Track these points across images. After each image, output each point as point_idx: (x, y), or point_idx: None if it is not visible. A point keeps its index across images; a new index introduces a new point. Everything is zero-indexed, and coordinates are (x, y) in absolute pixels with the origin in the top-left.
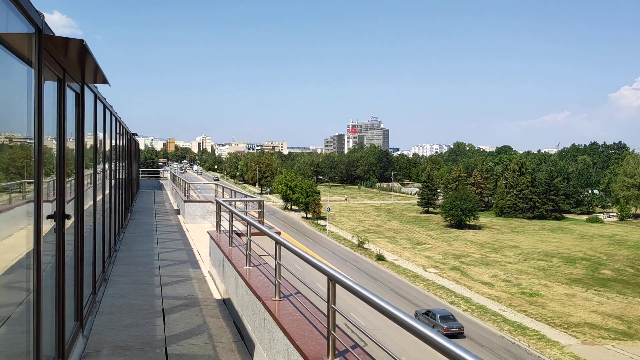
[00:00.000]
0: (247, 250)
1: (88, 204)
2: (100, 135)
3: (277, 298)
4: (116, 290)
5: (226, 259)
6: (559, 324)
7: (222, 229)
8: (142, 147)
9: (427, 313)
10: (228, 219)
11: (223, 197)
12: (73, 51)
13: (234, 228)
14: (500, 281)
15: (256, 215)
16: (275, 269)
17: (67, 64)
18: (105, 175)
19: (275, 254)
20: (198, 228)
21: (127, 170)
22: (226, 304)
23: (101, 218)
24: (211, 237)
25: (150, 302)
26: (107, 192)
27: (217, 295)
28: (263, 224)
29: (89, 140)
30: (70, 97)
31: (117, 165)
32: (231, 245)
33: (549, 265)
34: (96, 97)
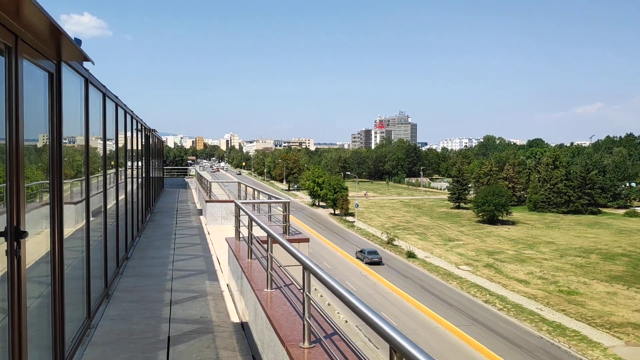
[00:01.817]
0: (268, 268)
1: (94, 211)
2: (111, 131)
3: (306, 344)
4: (118, 311)
5: (244, 275)
6: (600, 324)
7: (241, 235)
8: (171, 145)
9: (361, 251)
10: (248, 225)
11: (246, 197)
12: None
13: (255, 235)
14: (536, 279)
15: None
16: (304, 305)
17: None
18: (108, 178)
19: (304, 285)
20: (220, 230)
21: (146, 169)
22: (245, 330)
23: (112, 224)
24: (229, 245)
25: (154, 328)
26: (115, 195)
27: (234, 318)
28: (289, 232)
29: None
30: (35, 76)
31: (133, 164)
32: (250, 258)
33: (587, 262)
34: (88, 82)
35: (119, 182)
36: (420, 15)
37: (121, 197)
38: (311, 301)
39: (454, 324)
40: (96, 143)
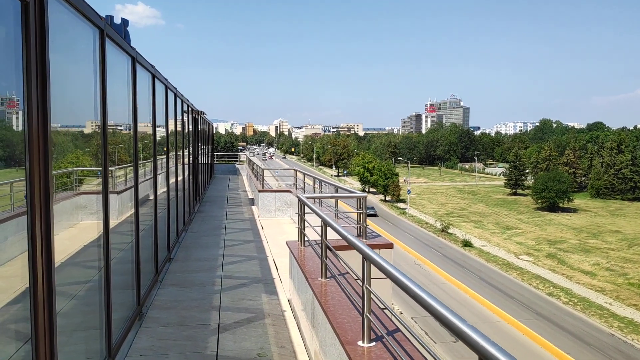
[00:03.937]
0: (364, 310)
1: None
2: (160, 115)
3: None
4: (149, 341)
5: (319, 304)
6: None
7: (306, 238)
8: (222, 131)
9: None
10: (314, 224)
11: (304, 185)
12: None
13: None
14: (603, 270)
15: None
16: None
17: None
18: (150, 167)
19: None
20: (274, 224)
21: (194, 156)
22: None
23: (148, 224)
24: (291, 252)
25: None
26: (154, 187)
27: (303, 357)
28: (365, 234)
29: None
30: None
31: (180, 150)
32: (325, 277)
33: None
34: (135, 61)
35: (162, 171)
36: None
37: (163, 189)
38: None
39: (517, 318)
40: (143, 127)
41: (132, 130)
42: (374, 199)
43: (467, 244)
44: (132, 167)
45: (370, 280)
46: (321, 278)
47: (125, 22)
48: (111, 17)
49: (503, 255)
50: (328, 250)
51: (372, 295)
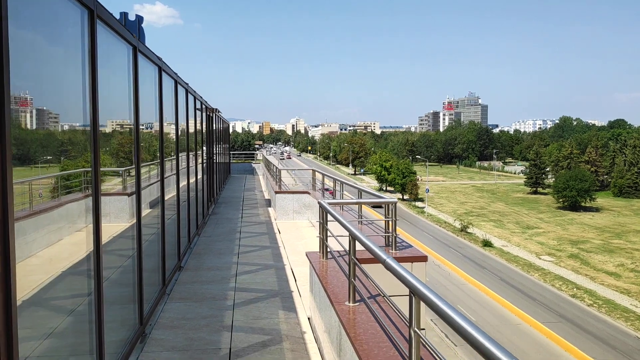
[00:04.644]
0: (413, 356)
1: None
2: (168, 112)
3: None
4: None
5: (345, 334)
6: None
7: (329, 249)
8: (239, 130)
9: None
10: (337, 232)
11: (323, 186)
12: None
13: (340, 242)
14: (628, 271)
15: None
16: None
17: None
18: (159, 169)
19: None
20: (292, 227)
21: (209, 156)
22: None
23: (155, 232)
24: (312, 265)
25: None
26: (161, 192)
27: None
28: (395, 244)
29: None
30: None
31: (190, 151)
32: (353, 301)
33: None
34: (137, 50)
35: (171, 173)
36: None
37: (172, 193)
38: None
39: (539, 320)
40: (149, 125)
41: (134, 128)
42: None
43: (487, 243)
44: (140, 169)
45: (420, 320)
46: (349, 302)
47: (139, 19)
48: (125, 14)
49: (524, 256)
50: (357, 268)
51: (421, 340)
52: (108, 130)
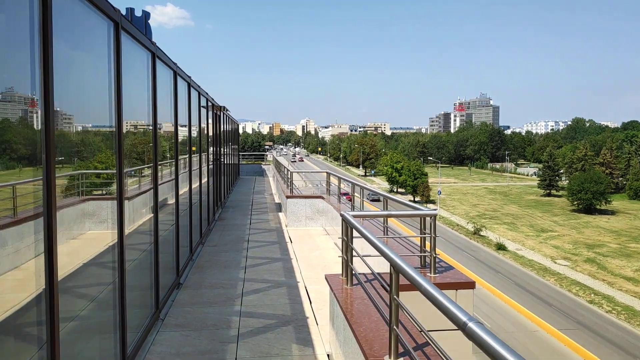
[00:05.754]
0: None
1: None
2: (165, 107)
3: None
4: None
5: None
6: None
7: (354, 272)
8: (249, 131)
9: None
10: (362, 249)
11: (339, 191)
12: None
13: (365, 259)
14: None
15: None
16: None
17: None
18: (159, 173)
19: None
20: (305, 235)
21: (216, 157)
22: None
23: (146, 253)
24: (333, 292)
25: None
26: (154, 200)
27: None
28: (434, 268)
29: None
30: None
31: (193, 152)
32: (395, 356)
33: None
34: (120, 27)
35: (170, 178)
36: None
37: (170, 200)
38: None
39: (556, 327)
40: (144, 122)
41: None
42: (403, 200)
43: (500, 247)
44: (131, 175)
45: None
46: (389, 358)
47: (146, 15)
48: (132, 10)
49: (539, 260)
50: (401, 311)
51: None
52: (128, 131)
